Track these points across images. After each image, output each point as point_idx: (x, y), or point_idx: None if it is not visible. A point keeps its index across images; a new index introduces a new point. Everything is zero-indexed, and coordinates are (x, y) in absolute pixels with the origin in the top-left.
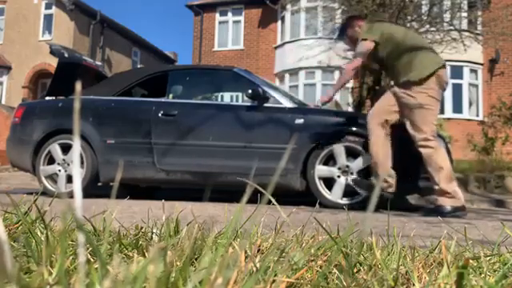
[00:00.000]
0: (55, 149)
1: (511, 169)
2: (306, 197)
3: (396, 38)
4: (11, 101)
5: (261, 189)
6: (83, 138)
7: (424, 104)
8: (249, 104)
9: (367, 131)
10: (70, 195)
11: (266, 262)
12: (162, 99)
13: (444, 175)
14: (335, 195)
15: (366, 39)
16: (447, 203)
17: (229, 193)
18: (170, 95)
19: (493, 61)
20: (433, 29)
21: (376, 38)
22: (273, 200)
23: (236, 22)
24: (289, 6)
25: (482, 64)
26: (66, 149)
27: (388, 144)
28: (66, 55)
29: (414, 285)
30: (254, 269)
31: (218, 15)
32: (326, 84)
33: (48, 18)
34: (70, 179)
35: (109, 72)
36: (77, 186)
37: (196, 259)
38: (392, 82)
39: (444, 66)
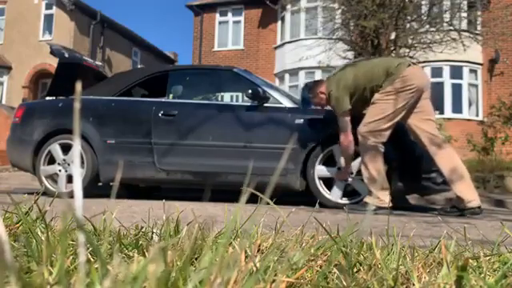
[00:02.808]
0: (55, 149)
1: (511, 169)
2: (305, 197)
3: (358, 83)
4: (11, 101)
5: (258, 193)
6: (83, 137)
7: (376, 100)
8: (249, 104)
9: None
10: (71, 195)
11: (266, 261)
12: (162, 99)
13: (368, 175)
14: (335, 195)
15: (342, 113)
16: (370, 201)
17: (229, 193)
18: (170, 95)
19: (492, 61)
20: (432, 29)
21: (348, 106)
22: (271, 202)
23: (236, 22)
24: (289, 6)
25: (481, 64)
26: (67, 149)
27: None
28: (67, 55)
29: (413, 284)
30: (254, 268)
31: (218, 15)
32: None
33: (48, 18)
34: (70, 179)
35: (109, 72)
36: (77, 186)
37: (196, 259)
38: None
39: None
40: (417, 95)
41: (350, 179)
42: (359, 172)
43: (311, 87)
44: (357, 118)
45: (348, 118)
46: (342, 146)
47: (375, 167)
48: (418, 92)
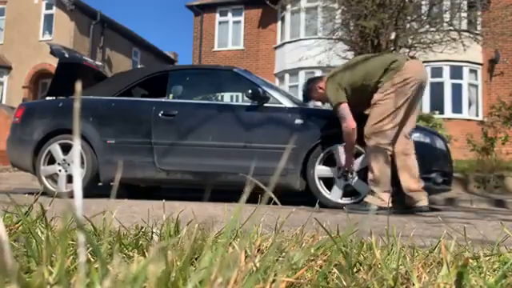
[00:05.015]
0: (55, 149)
1: (511, 169)
2: (305, 197)
3: (354, 79)
4: (12, 101)
5: (262, 185)
6: (83, 137)
7: (377, 101)
8: (249, 104)
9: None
10: (71, 195)
11: (266, 261)
12: (162, 99)
13: (372, 178)
14: (335, 195)
15: (339, 103)
16: (371, 201)
17: (229, 193)
18: (170, 95)
19: (492, 61)
20: (432, 29)
21: (344, 98)
22: (275, 198)
23: (236, 23)
24: (289, 6)
25: (481, 64)
26: (67, 149)
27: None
28: (67, 55)
29: (413, 285)
30: (254, 268)
31: (217, 15)
32: None
33: (48, 18)
34: (70, 179)
35: (109, 72)
36: (77, 186)
37: (196, 259)
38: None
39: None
40: (417, 90)
41: (351, 175)
42: (359, 172)
43: (311, 82)
44: (359, 119)
45: (345, 105)
46: (345, 133)
47: (379, 168)
48: (417, 86)
